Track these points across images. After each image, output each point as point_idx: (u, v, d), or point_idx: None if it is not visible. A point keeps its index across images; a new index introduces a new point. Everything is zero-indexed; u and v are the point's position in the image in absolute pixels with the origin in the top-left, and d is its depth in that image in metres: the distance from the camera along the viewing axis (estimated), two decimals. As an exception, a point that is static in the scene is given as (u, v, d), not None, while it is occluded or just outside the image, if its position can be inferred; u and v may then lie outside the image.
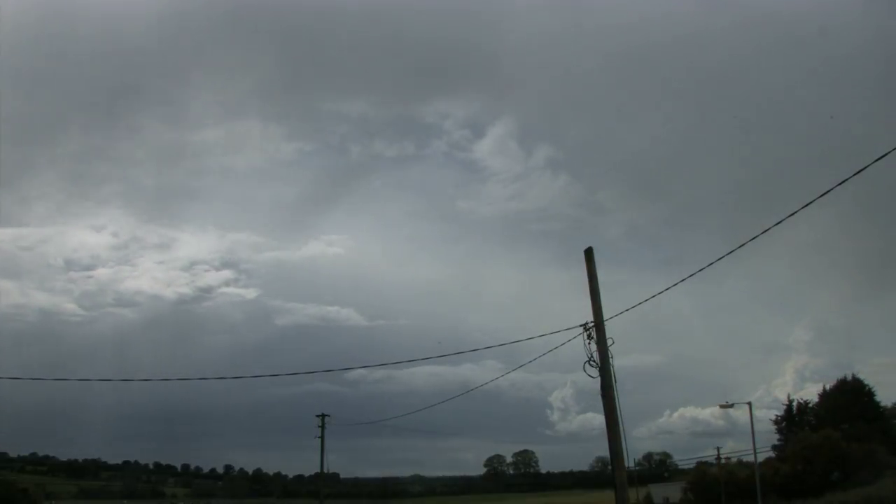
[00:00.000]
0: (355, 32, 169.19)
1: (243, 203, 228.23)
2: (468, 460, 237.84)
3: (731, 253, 15.60)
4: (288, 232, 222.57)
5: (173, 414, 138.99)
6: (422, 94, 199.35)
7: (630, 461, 43.03)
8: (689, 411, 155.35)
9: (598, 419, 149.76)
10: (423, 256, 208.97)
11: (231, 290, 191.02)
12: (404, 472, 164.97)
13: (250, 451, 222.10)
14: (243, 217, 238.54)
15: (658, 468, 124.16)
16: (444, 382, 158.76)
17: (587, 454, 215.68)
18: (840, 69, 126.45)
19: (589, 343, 16.94)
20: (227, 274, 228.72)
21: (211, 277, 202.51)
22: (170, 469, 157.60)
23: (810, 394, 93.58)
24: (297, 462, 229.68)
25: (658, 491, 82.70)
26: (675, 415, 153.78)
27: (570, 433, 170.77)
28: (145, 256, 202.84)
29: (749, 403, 50.28)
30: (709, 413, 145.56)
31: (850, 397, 66.49)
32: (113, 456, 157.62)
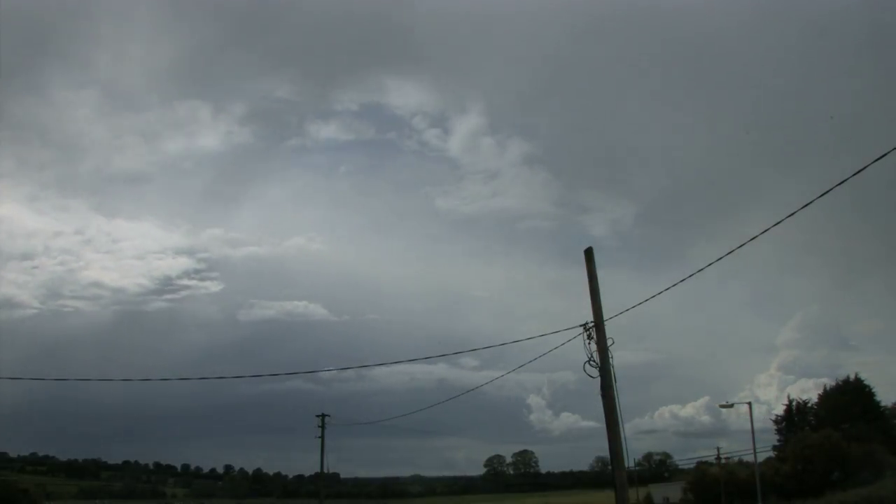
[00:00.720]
0: (303, 12, 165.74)
1: (196, 190, 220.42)
2: (457, 460, 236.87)
3: (730, 253, 15.53)
4: (251, 222, 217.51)
5: (138, 411, 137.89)
6: (379, 82, 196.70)
7: (630, 461, 43.04)
8: (673, 410, 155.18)
9: (571, 419, 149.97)
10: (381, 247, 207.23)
11: (195, 282, 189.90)
12: (398, 471, 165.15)
13: (248, 451, 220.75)
14: (202, 205, 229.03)
15: (658, 468, 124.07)
16: (417, 381, 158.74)
17: (564, 453, 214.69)
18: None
19: (589, 343, 16.93)
20: (191, 266, 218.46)
21: (171, 269, 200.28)
22: (170, 469, 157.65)
23: (793, 393, 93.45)
24: (297, 462, 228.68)
25: (658, 491, 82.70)
26: (656, 414, 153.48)
27: (548, 431, 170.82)
28: (106, 247, 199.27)
29: (749, 403, 50.33)
30: (691, 412, 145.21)
31: (850, 397, 66.45)
32: (113, 456, 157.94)
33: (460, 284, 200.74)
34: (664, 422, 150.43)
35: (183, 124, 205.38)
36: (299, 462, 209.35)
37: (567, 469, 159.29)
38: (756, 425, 73.57)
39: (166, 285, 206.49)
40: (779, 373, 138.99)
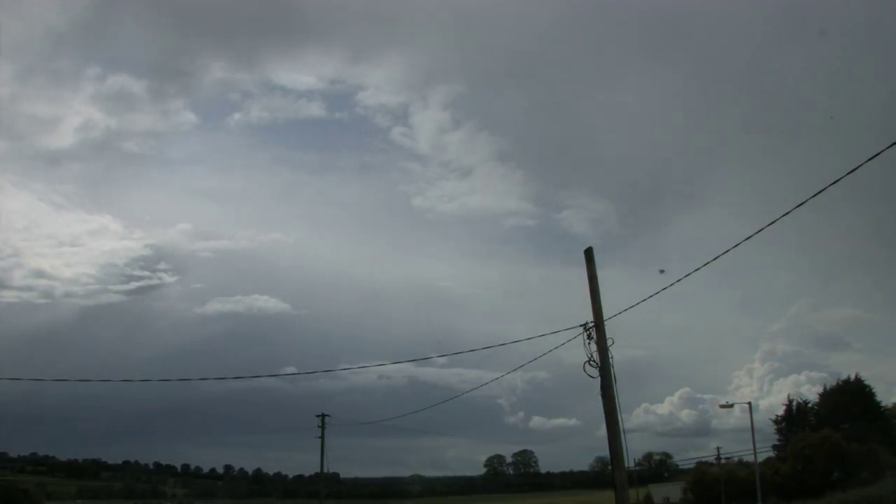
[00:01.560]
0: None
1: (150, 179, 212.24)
2: (447, 460, 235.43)
3: (726, 252, 15.58)
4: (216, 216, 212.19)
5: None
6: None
7: (630, 461, 43.11)
8: (654, 408, 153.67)
9: (538, 420, 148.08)
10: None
11: (146, 273, 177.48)
12: (398, 472, 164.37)
13: (248, 451, 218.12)
14: (140, 190, 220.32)
15: (658, 468, 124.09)
16: (387, 379, 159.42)
17: (563, 453, 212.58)
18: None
19: (589, 343, 16.95)
20: (138, 253, 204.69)
21: (116, 257, 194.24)
22: (170, 469, 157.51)
23: (777, 390, 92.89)
24: (297, 462, 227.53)
25: (658, 491, 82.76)
26: (633, 414, 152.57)
27: (529, 431, 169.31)
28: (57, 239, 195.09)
29: (749, 404, 50.44)
30: (668, 412, 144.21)
31: (850, 397, 66.47)
32: (113, 456, 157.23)
33: (436, 282, 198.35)
34: (639, 420, 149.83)
35: (112, 100, 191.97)
36: (291, 462, 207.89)
37: (567, 469, 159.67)
38: (739, 423, 73.74)
39: (111, 275, 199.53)
40: (762, 368, 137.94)
